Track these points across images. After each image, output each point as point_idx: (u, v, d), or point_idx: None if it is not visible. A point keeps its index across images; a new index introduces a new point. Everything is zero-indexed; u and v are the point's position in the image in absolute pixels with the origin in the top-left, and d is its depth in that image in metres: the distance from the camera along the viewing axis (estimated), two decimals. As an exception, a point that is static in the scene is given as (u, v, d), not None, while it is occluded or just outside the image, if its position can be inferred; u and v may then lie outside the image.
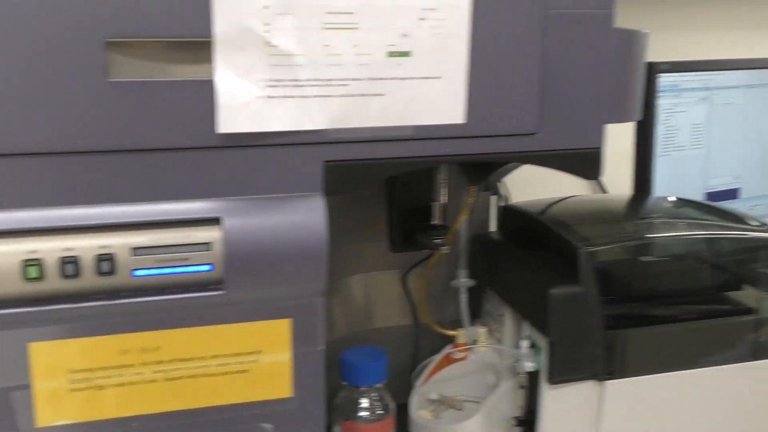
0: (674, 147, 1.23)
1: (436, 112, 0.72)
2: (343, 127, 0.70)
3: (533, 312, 0.88)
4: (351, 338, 1.02)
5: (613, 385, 0.86)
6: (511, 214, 1.01)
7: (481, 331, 1.01)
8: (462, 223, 1.00)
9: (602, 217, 0.99)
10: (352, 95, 0.70)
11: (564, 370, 0.85)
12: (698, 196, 1.27)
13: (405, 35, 0.70)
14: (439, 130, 0.73)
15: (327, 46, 0.68)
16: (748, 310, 0.91)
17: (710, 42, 1.49)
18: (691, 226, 0.94)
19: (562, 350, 0.85)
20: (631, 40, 0.79)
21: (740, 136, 1.29)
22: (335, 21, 0.68)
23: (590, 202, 1.05)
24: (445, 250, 0.91)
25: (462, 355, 1.02)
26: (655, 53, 1.49)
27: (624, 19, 1.50)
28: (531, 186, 1.39)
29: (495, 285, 0.99)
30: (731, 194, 1.31)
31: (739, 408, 0.91)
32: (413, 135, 0.73)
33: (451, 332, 1.02)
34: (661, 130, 1.21)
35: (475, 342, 1.01)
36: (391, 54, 0.70)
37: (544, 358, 0.86)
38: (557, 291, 0.83)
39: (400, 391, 1.00)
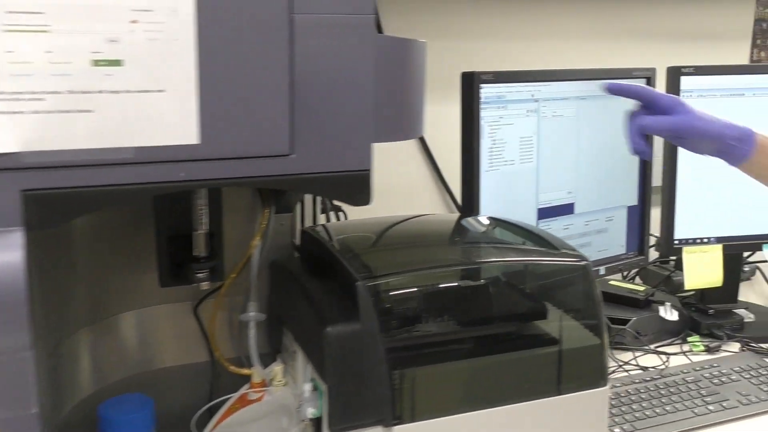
0: (502, 162, 1.16)
1: (162, 131, 0.61)
2: (43, 149, 0.58)
3: (314, 352, 0.79)
4: (129, 383, 0.89)
5: (401, 430, 0.77)
6: (308, 239, 0.91)
7: (277, 369, 0.90)
8: (254, 249, 0.89)
9: (401, 243, 0.90)
10: (50, 111, 0.58)
11: (346, 417, 0.75)
12: (530, 212, 1.21)
13: (113, 41, 0.58)
14: (169, 152, 0.62)
15: (11, 52, 0.56)
16: (553, 341, 0.84)
17: (538, 52, 1.44)
18: (491, 252, 0.86)
19: (342, 394, 0.75)
20: (403, 49, 0.70)
21: (572, 149, 1.24)
22: (19, 22, 0.55)
23: (401, 224, 0.96)
24: (205, 285, 0.79)
25: (257, 395, 0.91)
26: (477, 63, 1.43)
27: (444, 28, 1.45)
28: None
29: (287, 319, 0.88)
30: (566, 209, 1.26)
31: (543, 447, 0.84)
32: (135, 158, 0.61)
33: (244, 371, 0.91)
34: (486, 144, 1.14)
35: (272, 381, 0.91)
36: (97, 63, 0.58)
37: (325, 403, 0.76)
38: (333, 329, 0.73)
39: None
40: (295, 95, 0.64)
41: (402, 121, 0.71)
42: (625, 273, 1.61)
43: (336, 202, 1.32)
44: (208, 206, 0.77)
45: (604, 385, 0.85)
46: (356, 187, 0.68)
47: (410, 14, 1.38)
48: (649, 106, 0.99)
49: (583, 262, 0.83)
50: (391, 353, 0.75)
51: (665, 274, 1.60)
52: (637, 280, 1.69)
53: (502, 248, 0.89)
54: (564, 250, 0.86)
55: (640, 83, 1.31)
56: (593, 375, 0.84)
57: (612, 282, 1.48)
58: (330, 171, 0.67)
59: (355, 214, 1.34)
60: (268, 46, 0.63)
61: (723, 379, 1.23)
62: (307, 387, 0.79)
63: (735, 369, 1.26)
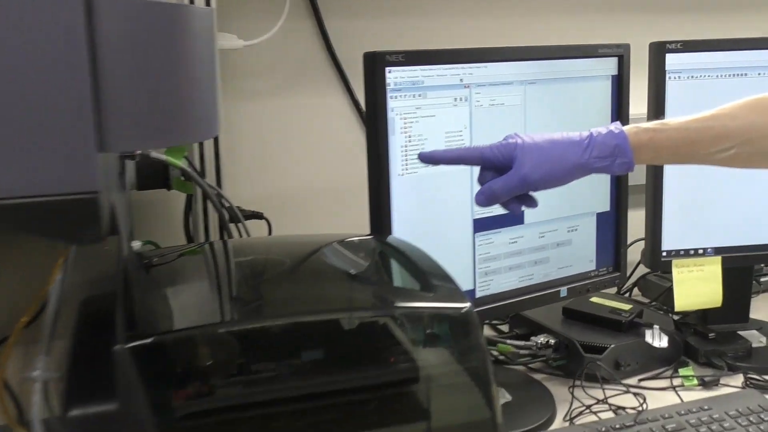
0: (421, 163, 0.93)
1: None
2: None
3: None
4: None
5: None
6: (123, 272, 0.70)
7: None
8: (53, 284, 0.69)
9: (232, 284, 0.68)
10: None
11: None
12: (463, 224, 0.97)
13: None
14: None
15: None
16: (421, 414, 0.61)
17: (466, 29, 1.20)
18: (336, 296, 0.64)
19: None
20: (156, 19, 0.48)
21: (517, 145, 1.00)
22: None
23: (260, 253, 0.74)
24: None
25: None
26: (387, 41, 1.19)
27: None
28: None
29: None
30: (513, 219, 1.01)
31: None
32: None
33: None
34: (398, 141, 0.91)
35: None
36: None
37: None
38: (77, 412, 0.53)
39: None
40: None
41: (160, 121, 0.49)
42: (621, 286, 1.36)
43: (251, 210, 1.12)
44: None
45: (499, 472, 0.62)
46: (76, 217, 0.47)
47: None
48: (486, 167, 0.80)
49: (461, 308, 0.60)
50: (172, 440, 0.54)
51: (667, 287, 1.34)
52: (636, 292, 1.44)
53: (355, 289, 0.66)
54: (442, 290, 0.63)
55: (610, 62, 1.07)
56: (481, 460, 0.62)
57: (594, 299, 1.23)
58: (28, 195, 0.46)
59: (280, 229, 1.13)
60: None
61: (713, 427, 0.98)
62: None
63: (731, 413, 1.00)
